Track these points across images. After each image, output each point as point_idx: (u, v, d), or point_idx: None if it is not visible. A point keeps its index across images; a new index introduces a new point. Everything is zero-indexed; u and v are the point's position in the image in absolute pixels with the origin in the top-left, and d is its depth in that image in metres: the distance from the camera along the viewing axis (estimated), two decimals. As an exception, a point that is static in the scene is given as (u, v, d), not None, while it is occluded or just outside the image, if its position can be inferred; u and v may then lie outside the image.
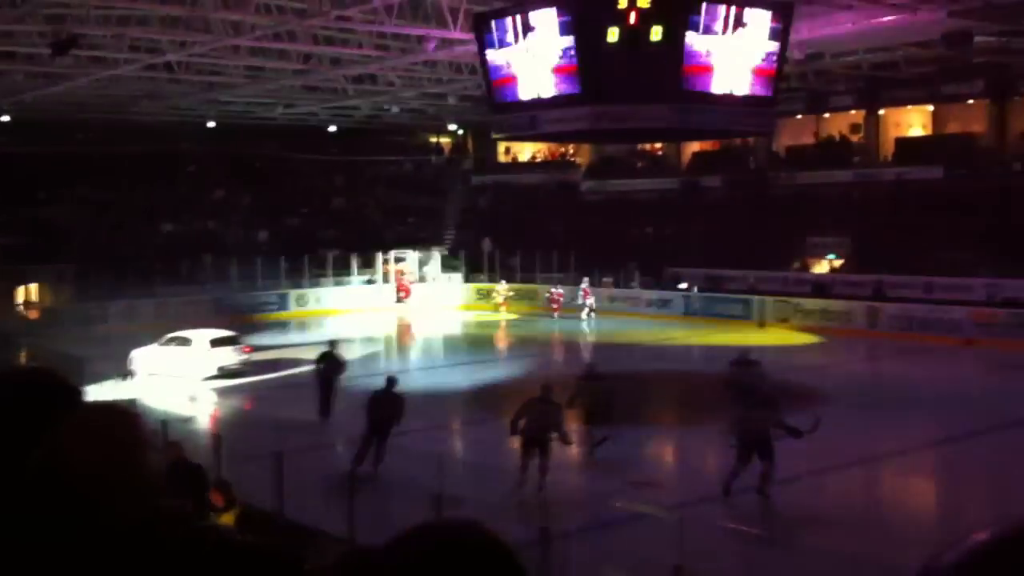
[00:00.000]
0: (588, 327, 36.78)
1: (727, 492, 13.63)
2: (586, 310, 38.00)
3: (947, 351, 28.23)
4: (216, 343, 25.75)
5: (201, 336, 25.94)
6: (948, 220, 36.23)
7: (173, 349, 25.54)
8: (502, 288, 41.51)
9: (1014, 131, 41.55)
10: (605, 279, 40.63)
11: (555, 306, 39.12)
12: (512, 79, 27.01)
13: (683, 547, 10.97)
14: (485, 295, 42.90)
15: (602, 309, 38.45)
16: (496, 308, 40.97)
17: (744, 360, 19.35)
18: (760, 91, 26.47)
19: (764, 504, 13.62)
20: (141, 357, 25.56)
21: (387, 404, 16.11)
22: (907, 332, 30.65)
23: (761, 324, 34.84)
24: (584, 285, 38.56)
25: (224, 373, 25.08)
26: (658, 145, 52.06)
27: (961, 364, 26.79)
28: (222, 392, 24.01)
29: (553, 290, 39.78)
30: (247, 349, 26.37)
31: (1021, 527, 1.20)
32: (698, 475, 16.60)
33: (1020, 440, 18.57)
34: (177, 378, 24.49)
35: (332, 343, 21.37)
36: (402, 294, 44.10)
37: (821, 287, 37.23)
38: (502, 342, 35.20)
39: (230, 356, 25.62)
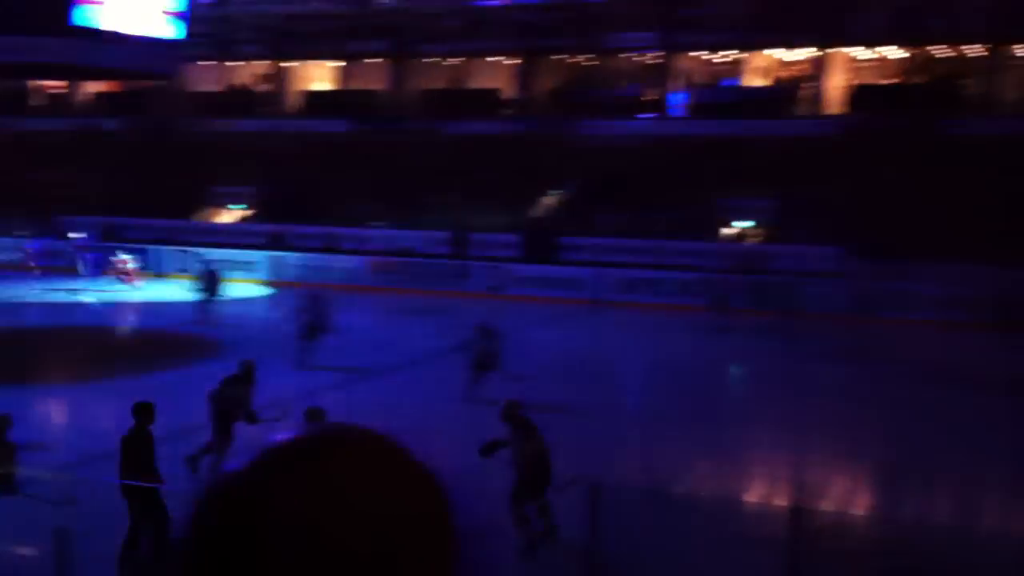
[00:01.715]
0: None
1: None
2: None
3: (347, 298, 29.02)
4: None
5: None
6: (351, 172, 37.51)
7: None
8: (128, 257, 33.20)
9: (411, 89, 44.03)
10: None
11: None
12: None
13: (73, 508, 10.08)
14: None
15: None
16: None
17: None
18: (164, 32, 25.26)
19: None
20: None
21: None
22: (304, 281, 30.89)
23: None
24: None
25: None
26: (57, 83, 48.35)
27: (360, 310, 27.69)
28: None
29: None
30: None
31: (322, 432, 1.16)
32: (88, 433, 15.42)
33: (413, 379, 19.62)
34: None
35: None
36: None
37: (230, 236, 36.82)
38: None
39: None
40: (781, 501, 12.61)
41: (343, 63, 46.32)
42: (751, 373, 22.66)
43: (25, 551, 10.76)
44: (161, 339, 24.31)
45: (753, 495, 13.74)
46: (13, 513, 11.45)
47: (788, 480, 13.92)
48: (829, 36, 37.43)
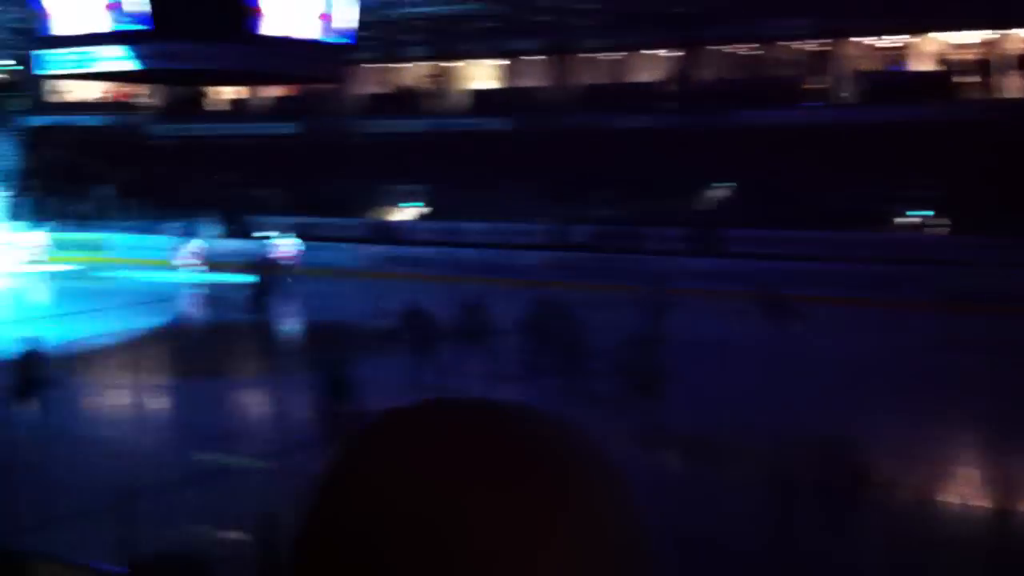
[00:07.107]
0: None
1: None
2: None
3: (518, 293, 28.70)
4: None
5: None
6: (517, 168, 37.96)
7: None
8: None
9: (572, 85, 44.22)
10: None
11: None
12: (61, 9, 24.63)
13: (273, 497, 10.52)
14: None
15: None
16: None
17: None
18: (330, 36, 26.09)
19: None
20: None
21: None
22: (485, 276, 31.21)
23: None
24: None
25: None
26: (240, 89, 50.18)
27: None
28: None
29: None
30: None
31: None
32: (281, 424, 16.24)
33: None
34: None
35: None
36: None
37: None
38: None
39: None
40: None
41: (506, 61, 46.92)
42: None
43: (232, 535, 11.27)
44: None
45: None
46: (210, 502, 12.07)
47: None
48: (1003, 17, 35.63)
